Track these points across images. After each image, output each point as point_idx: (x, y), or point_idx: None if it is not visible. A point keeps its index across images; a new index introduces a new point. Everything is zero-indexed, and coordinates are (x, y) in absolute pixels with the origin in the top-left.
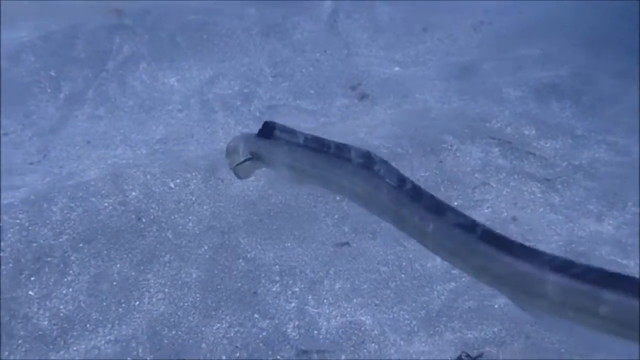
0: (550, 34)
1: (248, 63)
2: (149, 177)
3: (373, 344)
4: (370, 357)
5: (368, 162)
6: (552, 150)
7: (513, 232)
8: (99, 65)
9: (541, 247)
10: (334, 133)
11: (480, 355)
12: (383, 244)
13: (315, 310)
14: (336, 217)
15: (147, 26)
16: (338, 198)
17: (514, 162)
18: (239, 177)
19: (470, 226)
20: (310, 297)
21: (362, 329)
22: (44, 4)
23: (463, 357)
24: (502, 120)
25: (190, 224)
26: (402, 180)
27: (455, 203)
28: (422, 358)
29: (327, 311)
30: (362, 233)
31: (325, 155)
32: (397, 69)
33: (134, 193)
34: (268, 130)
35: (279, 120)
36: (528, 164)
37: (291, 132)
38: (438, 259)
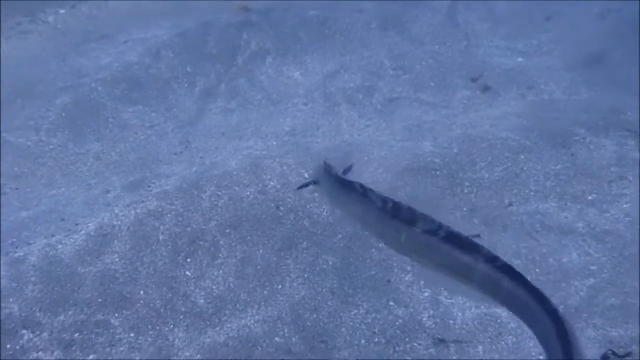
0: None
1: (368, 56)
2: (284, 167)
3: (510, 337)
4: (508, 349)
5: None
6: None
7: None
8: (230, 61)
9: None
10: (458, 125)
11: (628, 354)
12: (514, 236)
13: (448, 300)
14: (465, 209)
15: (272, 22)
16: (466, 190)
17: None
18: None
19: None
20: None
21: (499, 321)
22: (178, 4)
23: (610, 355)
24: (638, 111)
25: (325, 213)
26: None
27: (590, 197)
28: None
29: (461, 302)
30: (493, 226)
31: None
32: (519, 59)
33: (272, 183)
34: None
35: (402, 113)
36: None
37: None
38: (574, 254)
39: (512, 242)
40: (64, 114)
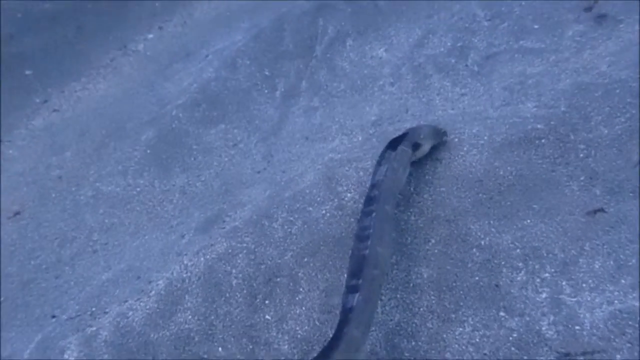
0: None
1: (459, 11)
2: (361, 173)
3: None
4: None
5: None
6: None
7: None
8: (308, 54)
9: None
10: (568, 72)
11: None
12: None
13: (572, 299)
14: (582, 179)
15: None
16: (581, 155)
17: None
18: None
19: None
20: (564, 283)
21: (638, 318)
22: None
23: None
24: None
25: (413, 218)
26: None
27: None
28: None
29: (589, 299)
30: (620, 194)
31: None
32: None
33: (349, 194)
34: None
35: (502, 70)
36: None
37: None
38: None
39: None
40: (148, 151)
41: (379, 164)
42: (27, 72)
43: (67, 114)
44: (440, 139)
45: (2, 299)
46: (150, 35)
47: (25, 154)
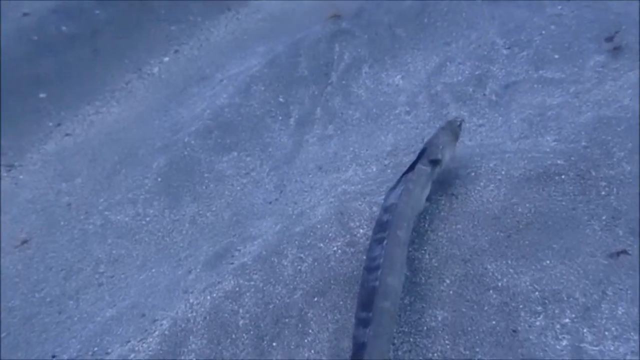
0: None
1: (477, 38)
2: (374, 208)
3: None
4: None
5: None
6: None
7: None
8: (323, 80)
9: None
10: (589, 105)
11: None
12: None
13: (595, 348)
14: (604, 218)
15: (364, 25)
16: (603, 193)
17: None
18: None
19: None
20: (586, 330)
21: None
22: (273, 25)
23: None
24: None
25: (427, 256)
26: None
27: None
28: None
29: (612, 348)
30: None
31: None
32: None
33: (361, 230)
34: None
35: (521, 100)
36: None
37: None
38: None
39: None
40: (159, 179)
41: (394, 186)
42: (42, 95)
43: (79, 138)
44: (458, 136)
45: (3, 334)
46: (166, 59)
47: (35, 179)
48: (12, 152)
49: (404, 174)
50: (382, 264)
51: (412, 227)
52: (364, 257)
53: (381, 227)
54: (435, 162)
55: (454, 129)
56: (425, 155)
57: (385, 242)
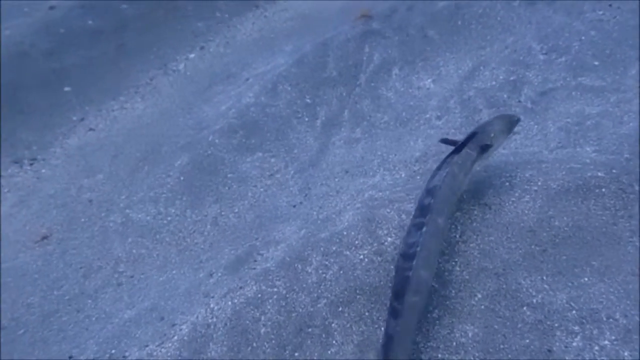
0: None
1: (512, 43)
2: (403, 216)
3: None
4: None
5: None
6: None
7: None
8: (352, 81)
9: None
10: (631, 115)
11: None
12: None
13: None
14: None
15: (395, 26)
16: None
17: None
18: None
19: None
20: (626, 353)
21: None
22: (301, 23)
23: None
24: None
25: (457, 268)
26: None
27: None
28: None
29: None
30: None
31: None
32: None
33: (389, 239)
34: None
35: (558, 108)
36: None
37: None
38: None
39: None
40: (182, 178)
41: (438, 167)
42: (66, 89)
43: (102, 133)
44: (512, 131)
45: (21, 331)
46: (192, 55)
47: (58, 174)
48: (36, 145)
49: (449, 155)
50: (417, 254)
51: (453, 210)
52: (400, 241)
53: (422, 211)
54: (484, 148)
55: (511, 121)
56: (475, 139)
57: (424, 228)
